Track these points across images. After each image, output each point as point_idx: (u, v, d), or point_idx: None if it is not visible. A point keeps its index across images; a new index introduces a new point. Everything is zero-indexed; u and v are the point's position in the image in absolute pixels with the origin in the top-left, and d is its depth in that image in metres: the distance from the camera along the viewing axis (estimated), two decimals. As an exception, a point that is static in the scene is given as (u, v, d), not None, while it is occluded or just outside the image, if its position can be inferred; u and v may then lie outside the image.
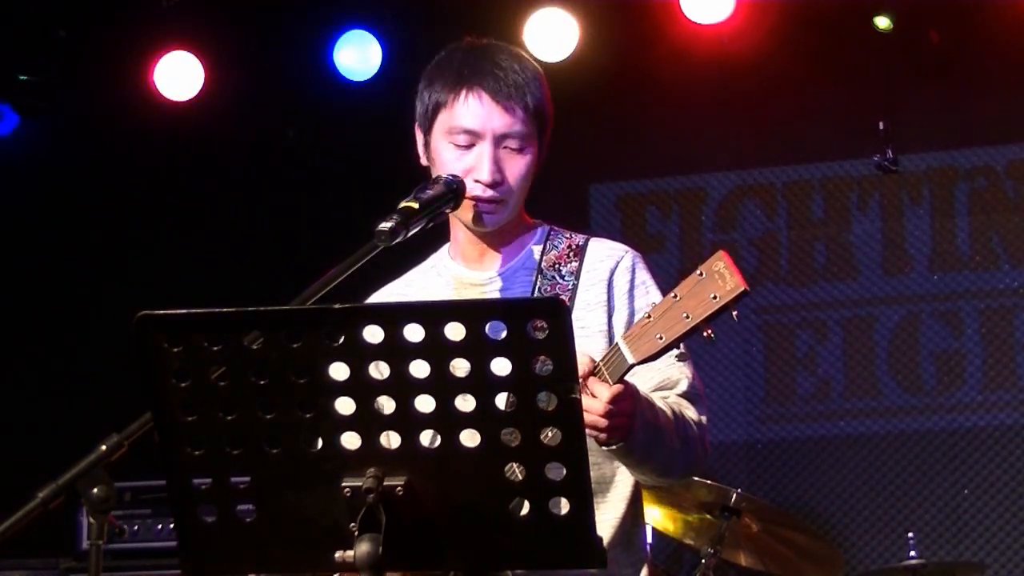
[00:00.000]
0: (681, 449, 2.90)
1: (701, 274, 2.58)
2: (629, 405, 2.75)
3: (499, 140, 3.06)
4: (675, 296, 2.61)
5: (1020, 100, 6.46)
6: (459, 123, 3.07)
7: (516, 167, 3.07)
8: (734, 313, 2.57)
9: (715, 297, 2.56)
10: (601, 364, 2.72)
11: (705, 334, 2.61)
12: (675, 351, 2.73)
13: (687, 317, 2.59)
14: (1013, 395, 6.46)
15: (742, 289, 2.55)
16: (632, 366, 2.66)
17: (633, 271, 3.09)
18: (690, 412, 2.96)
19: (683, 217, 6.88)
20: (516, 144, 3.07)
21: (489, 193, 3.05)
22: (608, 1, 6.69)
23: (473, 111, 3.07)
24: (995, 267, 6.55)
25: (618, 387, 2.70)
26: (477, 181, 3.05)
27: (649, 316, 2.64)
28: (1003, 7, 6.38)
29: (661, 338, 2.62)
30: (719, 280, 2.56)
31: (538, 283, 3.10)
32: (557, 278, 3.10)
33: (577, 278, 3.09)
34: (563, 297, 3.04)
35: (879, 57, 6.59)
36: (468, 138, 3.07)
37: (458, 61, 3.12)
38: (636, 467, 2.91)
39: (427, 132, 3.14)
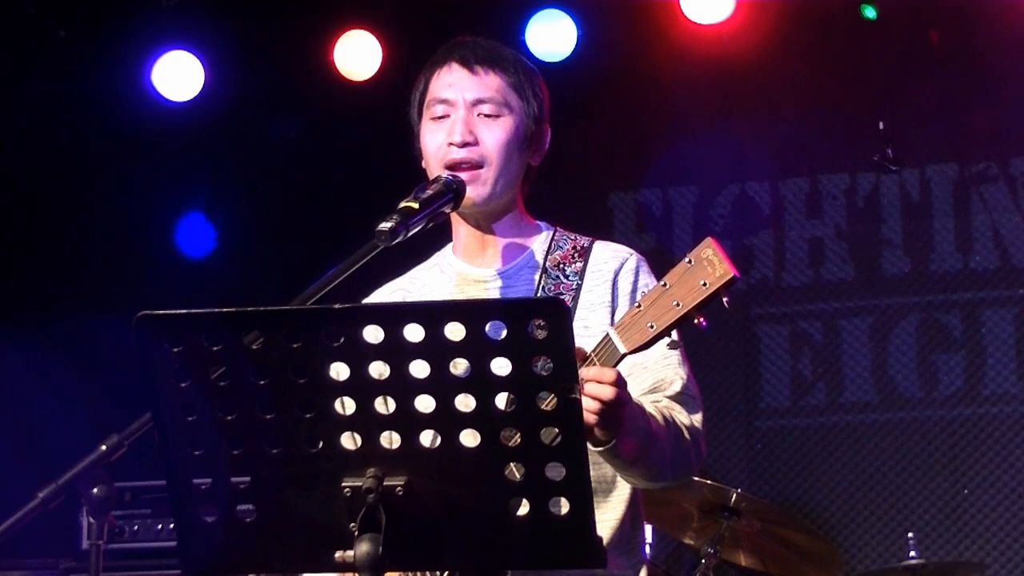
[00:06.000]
0: (672, 454, 2.87)
1: (690, 262, 2.57)
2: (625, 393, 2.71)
3: (472, 106, 3.08)
4: (665, 285, 2.60)
5: (1020, 100, 6.45)
6: (433, 95, 3.11)
7: (492, 132, 3.07)
8: (724, 300, 2.56)
9: (704, 284, 2.55)
10: (593, 355, 2.71)
11: (696, 321, 2.60)
12: (667, 342, 2.71)
13: (677, 305, 2.57)
14: (1013, 394, 6.46)
15: (731, 275, 2.53)
16: (624, 355, 2.65)
17: (637, 273, 3.09)
18: (682, 417, 2.93)
19: (682, 216, 6.87)
20: (490, 109, 3.08)
21: (462, 154, 3.04)
22: (608, 1, 6.69)
23: (444, 81, 3.12)
24: (995, 266, 6.54)
25: (614, 371, 2.65)
26: (450, 144, 3.05)
27: (639, 306, 2.63)
28: (1003, 7, 6.37)
29: (652, 327, 2.61)
30: (708, 267, 2.55)
31: (542, 282, 3.10)
32: (561, 277, 3.09)
33: (581, 278, 3.09)
34: (566, 297, 3.05)
35: (879, 57, 6.59)
36: (443, 108, 3.10)
37: (444, 49, 3.17)
38: (624, 470, 2.88)
39: (418, 123, 3.16)
